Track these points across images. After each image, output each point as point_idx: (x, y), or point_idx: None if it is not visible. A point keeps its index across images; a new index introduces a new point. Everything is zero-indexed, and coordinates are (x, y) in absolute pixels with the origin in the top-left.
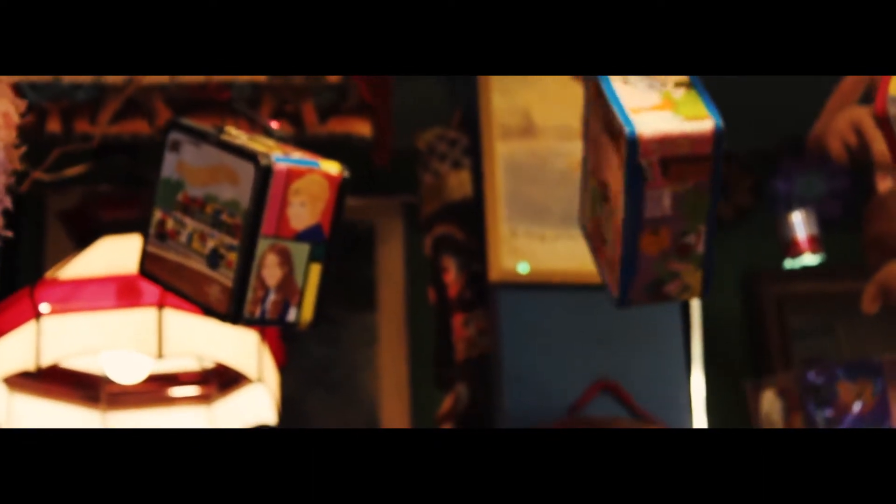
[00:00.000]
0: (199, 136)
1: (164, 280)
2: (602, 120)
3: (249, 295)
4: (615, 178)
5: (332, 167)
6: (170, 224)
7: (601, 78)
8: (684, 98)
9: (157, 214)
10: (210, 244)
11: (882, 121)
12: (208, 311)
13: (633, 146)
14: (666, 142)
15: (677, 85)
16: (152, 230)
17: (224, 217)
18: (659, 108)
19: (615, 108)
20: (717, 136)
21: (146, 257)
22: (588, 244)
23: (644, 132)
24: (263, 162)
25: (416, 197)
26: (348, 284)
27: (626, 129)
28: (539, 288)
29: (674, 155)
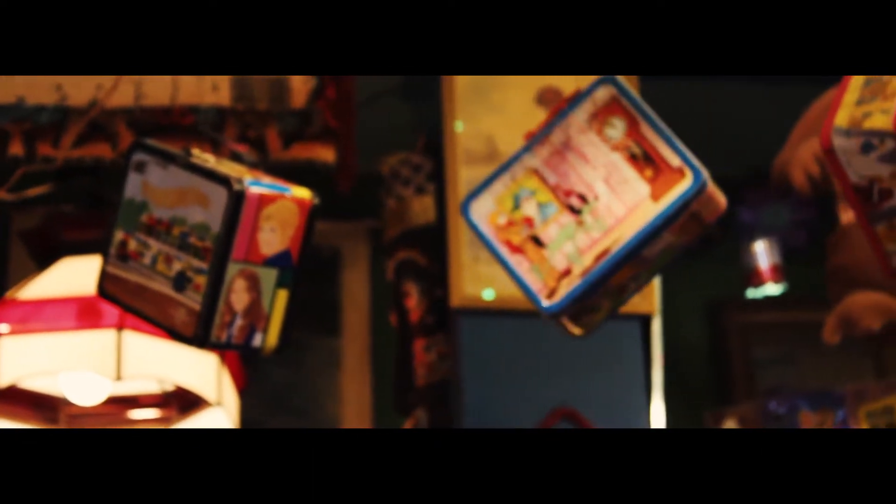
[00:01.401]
0: (167, 158)
1: (124, 301)
2: (613, 142)
3: (217, 319)
4: (622, 203)
5: (304, 193)
6: (132, 245)
7: (641, 107)
8: None
9: (119, 235)
10: (176, 266)
11: (827, 152)
12: (173, 333)
13: (699, 191)
14: (710, 199)
15: None
16: (113, 250)
17: (192, 240)
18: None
19: (673, 146)
20: (724, 212)
21: (105, 277)
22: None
23: (708, 182)
24: (237, 186)
25: (382, 221)
26: (313, 308)
27: (696, 173)
28: (500, 314)
29: (699, 212)
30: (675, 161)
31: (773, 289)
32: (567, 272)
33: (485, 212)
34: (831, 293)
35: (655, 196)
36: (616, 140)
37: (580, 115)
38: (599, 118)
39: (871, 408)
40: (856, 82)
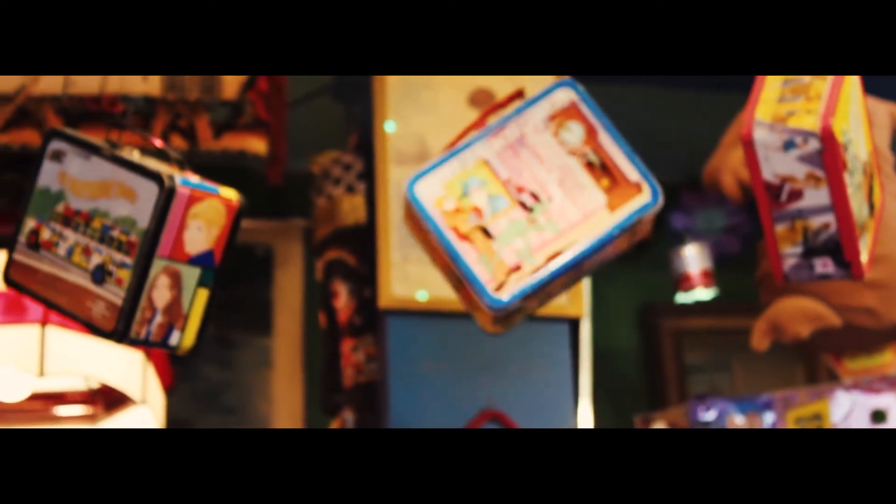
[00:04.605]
0: (90, 149)
1: (33, 290)
2: (569, 146)
3: (137, 315)
4: (577, 208)
5: (231, 194)
6: (45, 234)
7: (602, 117)
8: None
9: (30, 223)
10: (95, 259)
11: (746, 144)
12: (90, 326)
13: (651, 208)
14: (649, 218)
15: None
16: (23, 238)
17: (116, 233)
18: None
19: (633, 161)
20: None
21: (12, 265)
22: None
23: (660, 204)
24: (168, 183)
25: (312, 221)
26: (245, 307)
27: (654, 190)
28: (428, 315)
29: (638, 226)
30: (633, 175)
31: (703, 294)
32: (517, 268)
33: (431, 194)
34: (762, 299)
35: (612, 206)
36: (573, 145)
37: (537, 113)
38: (557, 120)
39: (800, 413)
40: (773, 80)
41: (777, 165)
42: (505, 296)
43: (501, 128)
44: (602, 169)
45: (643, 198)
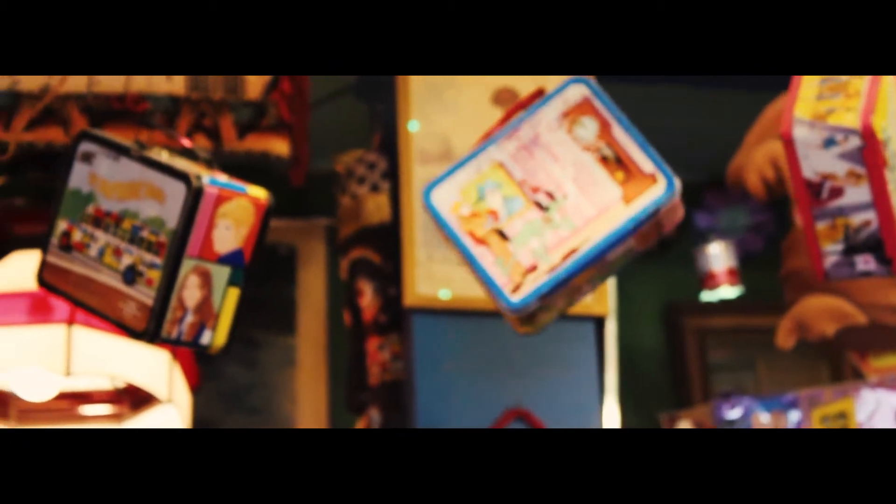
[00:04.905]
0: (119, 150)
1: (66, 292)
2: (584, 142)
3: (168, 315)
4: (592, 204)
5: (260, 193)
6: (77, 236)
7: (614, 110)
8: None
9: (62, 225)
10: (126, 260)
11: (787, 142)
12: (122, 327)
13: (670, 197)
14: (672, 207)
15: None
16: (55, 240)
17: (145, 234)
18: None
19: (647, 152)
20: (680, 222)
21: (46, 267)
22: (441, 222)
23: (677, 193)
24: (196, 183)
25: (336, 220)
26: (269, 307)
27: (669, 179)
28: (454, 314)
29: (660, 219)
30: (647, 166)
31: (728, 292)
32: (533, 268)
33: (447, 201)
34: (787, 297)
35: (627, 199)
36: (587, 140)
37: (550, 112)
38: (570, 117)
39: (826, 412)
40: (810, 79)
41: (817, 163)
42: (521, 297)
43: (515, 129)
44: (617, 162)
45: (658, 188)
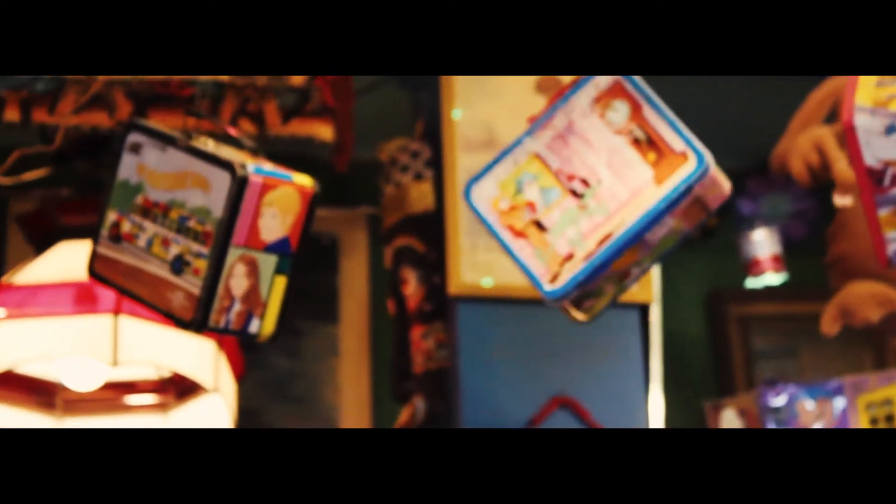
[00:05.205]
0: (166, 140)
1: (116, 282)
2: (616, 126)
3: (216, 304)
4: (625, 187)
5: (305, 181)
6: (126, 227)
7: (643, 91)
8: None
9: (112, 216)
10: (174, 250)
11: (848, 130)
12: (171, 317)
13: (701, 174)
14: (713, 183)
15: None
16: (105, 231)
17: (192, 223)
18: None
19: (676, 130)
20: (728, 198)
21: (96, 258)
22: (481, 217)
23: (710, 166)
24: (240, 172)
25: (379, 208)
26: (311, 296)
27: (699, 156)
28: (498, 302)
29: (702, 197)
30: (678, 145)
31: (773, 278)
32: (570, 256)
33: (487, 196)
34: (832, 283)
35: (659, 180)
36: (619, 124)
37: (582, 98)
38: (602, 102)
39: (871, 398)
40: None
41: (879, 150)
42: (558, 286)
43: (550, 119)
44: (648, 143)
45: (689, 166)
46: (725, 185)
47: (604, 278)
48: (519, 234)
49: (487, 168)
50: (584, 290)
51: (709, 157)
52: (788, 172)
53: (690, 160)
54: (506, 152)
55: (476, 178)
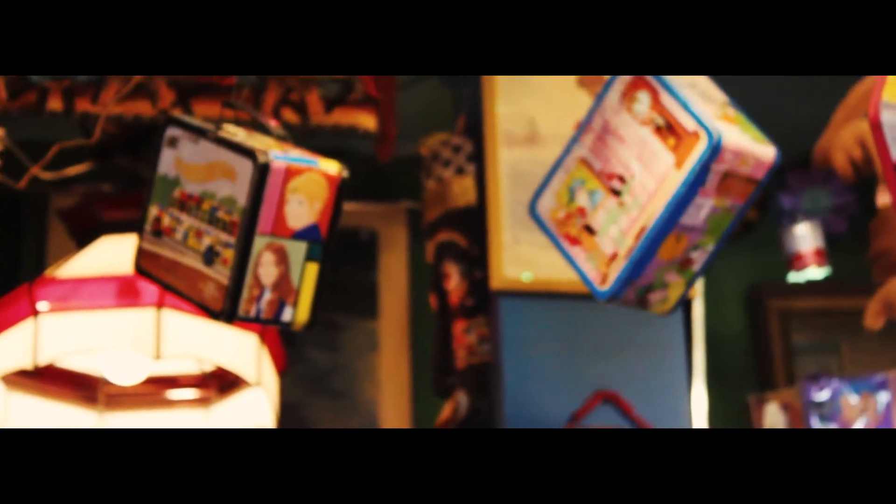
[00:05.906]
0: (197, 132)
1: (159, 277)
2: (641, 117)
3: (245, 293)
4: (653, 177)
5: (332, 166)
6: (166, 221)
7: (660, 78)
8: (738, 118)
9: (154, 211)
10: (206, 241)
11: (875, 126)
12: (203, 308)
13: (713, 151)
14: (739, 155)
15: (724, 103)
16: (148, 227)
17: (221, 214)
18: (727, 120)
19: (688, 110)
20: (774, 165)
21: (141, 254)
22: (546, 231)
23: (728, 140)
24: (261, 159)
25: (420, 203)
26: (350, 291)
27: (708, 133)
28: (541, 297)
29: (735, 170)
30: (690, 125)
31: (816, 272)
32: (614, 256)
33: (547, 209)
34: (875, 278)
35: (678, 164)
36: (643, 115)
37: (613, 96)
38: (628, 95)
39: None
40: None
41: None
42: (607, 287)
43: (589, 123)
44: (668, 129)
45: (701, 145)
46: (763, 153)
47: (658, 270)
48: (574, 241)
49: (546, 181)
50: (639, 284)
51: (718, 132)
52: (831, 166)
53: (702, 139)
54: (558, 163)
55: (537, 193)
